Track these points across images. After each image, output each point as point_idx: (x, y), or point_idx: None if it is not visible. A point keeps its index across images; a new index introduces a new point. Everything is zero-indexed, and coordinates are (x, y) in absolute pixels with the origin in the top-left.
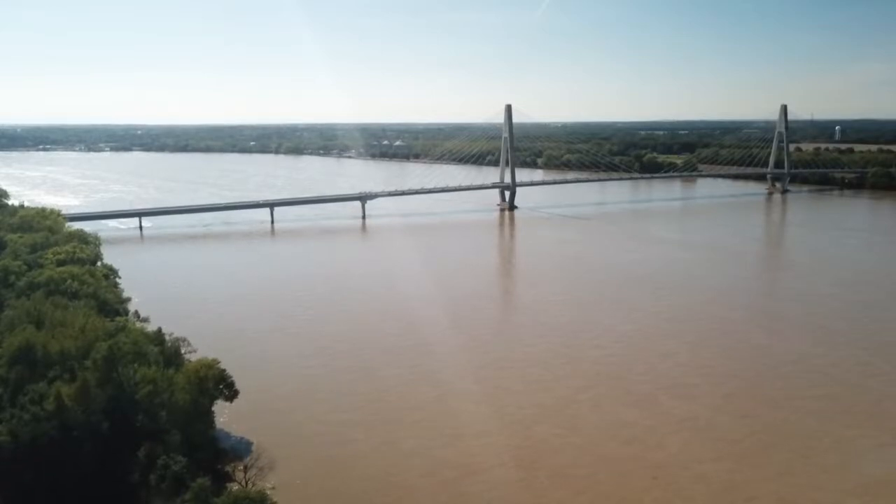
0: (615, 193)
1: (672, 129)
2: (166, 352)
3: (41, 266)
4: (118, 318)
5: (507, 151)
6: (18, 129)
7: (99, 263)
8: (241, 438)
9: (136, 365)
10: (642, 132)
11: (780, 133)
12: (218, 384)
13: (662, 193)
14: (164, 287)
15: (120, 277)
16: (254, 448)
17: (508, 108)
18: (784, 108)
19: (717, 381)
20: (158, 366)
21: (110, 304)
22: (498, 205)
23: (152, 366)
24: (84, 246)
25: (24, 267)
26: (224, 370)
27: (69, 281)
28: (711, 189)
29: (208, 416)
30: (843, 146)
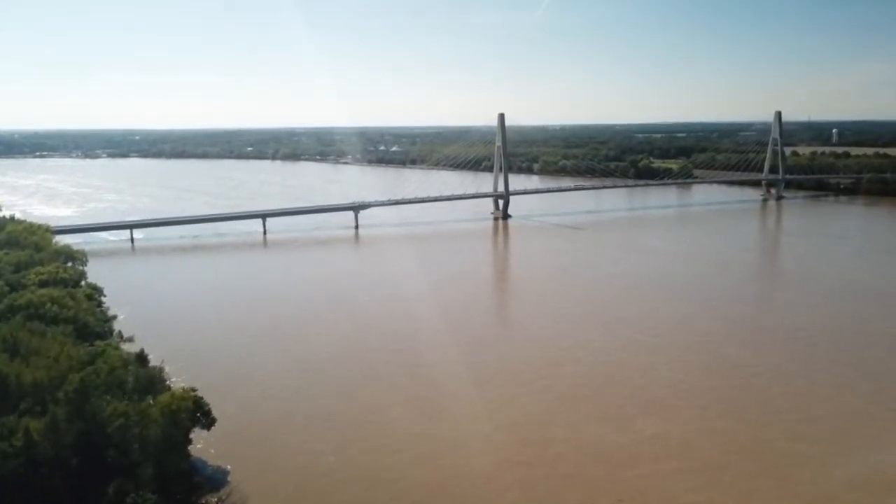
0: (610, 200)
1: (671, 130)
2: (141, 378)
3: (24, 286)
4: (98, 343)
5: (501, 160)
6: (16, 136)
7: (83, 283)
8: (218, 467)
9: (108, 397)
10: (640, 135)
11: (774, 139)
12: (195, 413)
13: (658, 200)
14: (152, 302)
15: (105, 296)
16: (229, 478)
17: (501, 117)
18: (778, 115)
19: (692, 398)
20: (133, 396)
21: (91, 327)
22: (492, 213)
23: (127, 395)
24: (67, 266)
25: (7, 288)
26: (201, 398)
27: (48, 304)
28: (707, 195)
29: (182, 448)
30: (840, 149)
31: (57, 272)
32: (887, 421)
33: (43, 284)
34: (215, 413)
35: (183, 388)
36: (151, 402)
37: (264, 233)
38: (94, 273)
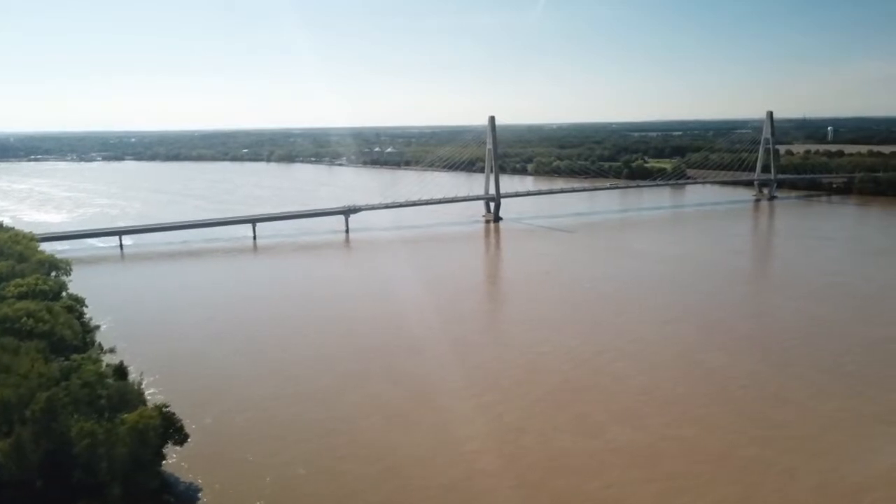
0: (603, 202)
1: (668, 129)
2: (113, 395)
3: (3, 299)
4: (74, 357)
5: (492, 162)
6: (11, 139)
7: (64, 294)
8: (190, 484)
9: (76, 416)
10: (636, 134)
11: (766, 139)
12: (167, 429)
13: (651, 201)
14: (137, 310)
15: (87, 306)
16: (200, 495)
17: (492, 120)
18: (770, 115)
19: (666, 406)
20: (104, 414)
21: (67, 341)
22: (483, 216)
23: (97, 413)
24: (47, 277)
25: None
26: (172, 414)
27: (25, 318)
28: (700, 196)
29: (152, 467)
30: (834, 148)
31: (37, 284)
32: (857, 428)
33: (22, 297)
34: (191, 425)
35: (155, 405)
36: (123, 419)
37: (254, 238)
38: (81, 281)
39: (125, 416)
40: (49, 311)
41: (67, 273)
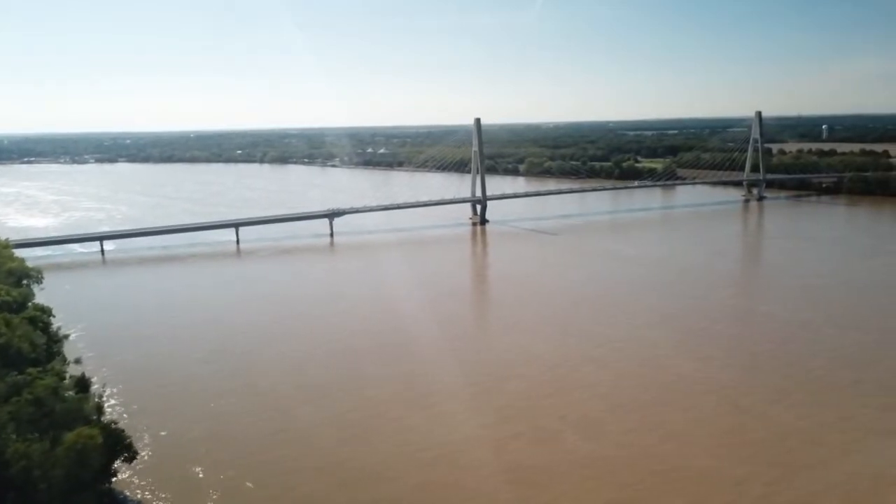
0: (593, 203)
1: (664, 128)
2: (59, 410)
3: None
4: (30, 371)
5: (478, 164)
6: (5, 141)
7: (30, 304)
8: (138, 502)
9: (14, 436)
10: (632, 133)
11: (755, 139)
12: (114, 446)
13: (641, 202)
14: (111, 317)
15: (54, 316)
16: None
17: (477, 122)
18: (758, 115)
19: (630, 415)
20: (47, 433)
21: (24, 354)
22: (470, 218)
23: (44, 431)
24: (11, 287)
25: None
26: (121, 430)
27: None
28: (690, 196)
29: (94, 487)
30: (827, 147)
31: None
32: (824, 441)
33: None
34: (146, 437)
35: (101, 422)
36: (64, 439)
37: (237, 242)
38: (55, 288)
39: (66, 435)
40: (7, 323)
41: (38, 281)
